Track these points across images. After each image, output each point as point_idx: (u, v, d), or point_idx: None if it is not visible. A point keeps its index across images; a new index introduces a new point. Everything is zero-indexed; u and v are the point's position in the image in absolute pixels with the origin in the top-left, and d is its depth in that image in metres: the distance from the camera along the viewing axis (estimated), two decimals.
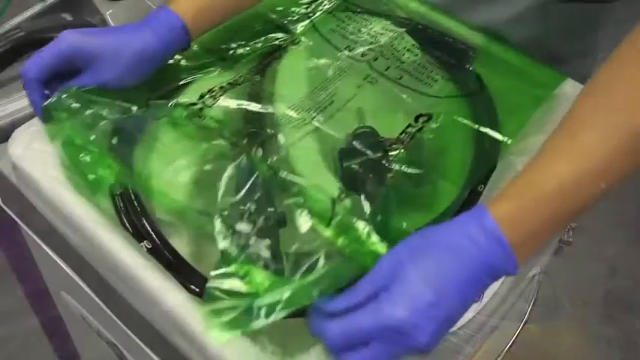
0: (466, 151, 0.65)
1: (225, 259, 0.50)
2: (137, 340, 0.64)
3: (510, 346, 0.85)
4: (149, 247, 0.56)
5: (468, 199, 0.61)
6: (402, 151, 0.63)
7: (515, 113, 0.67)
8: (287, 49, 0.74)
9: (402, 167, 0.62)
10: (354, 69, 0.71)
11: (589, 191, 0.49)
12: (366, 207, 0.58)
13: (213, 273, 0.49)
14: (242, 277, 0.49)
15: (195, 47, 0.70)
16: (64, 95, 0.61)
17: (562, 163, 0.49)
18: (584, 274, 1.61)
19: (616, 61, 0.52)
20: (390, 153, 0.63)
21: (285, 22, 0.76)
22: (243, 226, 0.53)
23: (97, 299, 0.66)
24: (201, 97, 0.67)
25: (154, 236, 0.56)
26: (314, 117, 0.66)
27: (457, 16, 0.78)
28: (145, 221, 0.57)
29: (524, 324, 0.87)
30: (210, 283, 0.49)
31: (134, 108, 0.63)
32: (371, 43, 0.74)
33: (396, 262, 0.48)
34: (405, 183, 0.62)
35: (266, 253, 0.51)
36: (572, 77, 0.72)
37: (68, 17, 0.94)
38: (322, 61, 0.72)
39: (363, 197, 0.60)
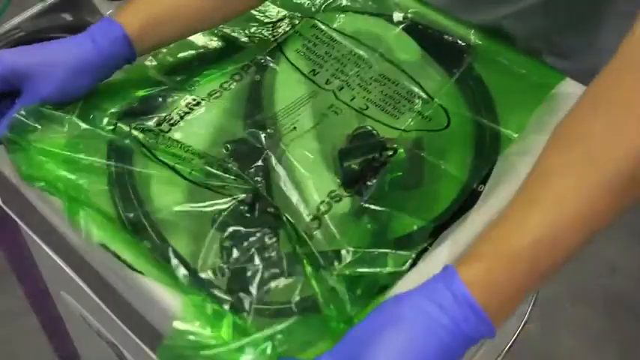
0: (466, 151, 0.65)
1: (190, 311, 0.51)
2: (137, 340, 0.64)
3: (510, 346, 0.85)
4: (149, 247, 0.56)
5: (468, 199, 0.61)
6: (402, 151, 0.63)
7: (515, 112, 0.67)
8: (250, 71, 0.71)
9: (402, 167, 0.62)
10: (318, 96, 0.69)
11: (567, 243, 0.47)
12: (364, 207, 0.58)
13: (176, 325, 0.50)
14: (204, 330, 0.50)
15: (150, 65, 0.69)
16: (16, 121, 0.61)
17: (535, 217, 0.46)
18: (584, 274, 1.61)
19: (585, 108, 0.50)
20: (390, 153, 0.63)
21: (248, 42, 0.74)
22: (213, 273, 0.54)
23: (97, 299, 0.66)
24: (159, 124, 0.65)
25: (154, 236, 0.57)
26: (278, 141, 0.64)
27: (458, 16, 0.78)
28: (145, 221, 0.57)
29: (524, 324, 0.87)
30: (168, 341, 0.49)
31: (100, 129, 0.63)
32: (337, 70, 0.71)
33: (365, 335, 0.46)
34: (405, 183, 0.62)
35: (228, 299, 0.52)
36: (576, 72, 0.72)
37: (68, 17, 0.94)
38: (286, 85, 0.70)
39: (362, 198, 0.60)
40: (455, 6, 0.79)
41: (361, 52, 0.73)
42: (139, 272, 0.54)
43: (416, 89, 0.70)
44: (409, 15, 0.77)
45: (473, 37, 0.76)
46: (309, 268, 0.54)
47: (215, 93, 0.69)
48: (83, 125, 0.63)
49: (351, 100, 0.69)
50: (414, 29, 0.76)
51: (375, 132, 0.65)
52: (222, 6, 0.69)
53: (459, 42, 0.75)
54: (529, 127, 0.66)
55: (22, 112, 0.61)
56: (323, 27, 0.76)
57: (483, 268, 0.46)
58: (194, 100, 0.68)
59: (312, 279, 0.53)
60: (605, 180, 0.46)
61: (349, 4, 0.79)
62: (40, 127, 0.61)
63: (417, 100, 0.69)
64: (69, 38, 0.64)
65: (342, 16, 0.77)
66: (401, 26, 0.76)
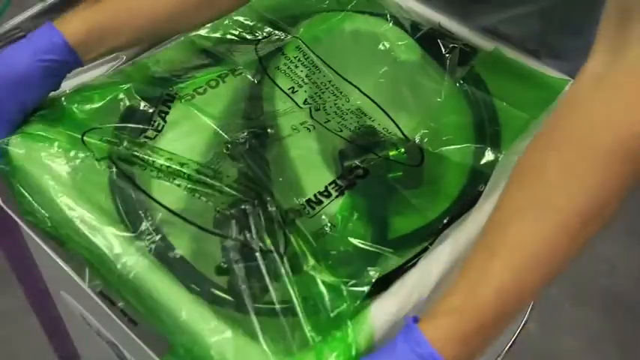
0: (466, 152, 0.65)
1: None
2: (137, 340, 0.64)
3: (510, 346, 0.85)
4: (150, 247, 0.56)
5: (469, 199, 0.61)
6: (403, 150, 0.63)
7: (517, 116, 0.67)
8: (226, 77, 0.70)
9: (403, 167, 0.62)
10: (293, 111, 0.68)
11: (531, 284, 0.48)
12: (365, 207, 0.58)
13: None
14: None
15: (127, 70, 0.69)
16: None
17: (496, 265, 0.47)
18: (584, 274, 1.61)
19: (539, 148, 0.50)
20: (391, 153, 0.63)
21: (229, 56, 0.73)
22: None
23: (97, 299, 0.66)
24: (144, 131, 0.64)
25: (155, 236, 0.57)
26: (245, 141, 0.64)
27: (459, 20, 0.78)
28: (145, 220, 0.57)
29: (524, 324, 0.87)
30: None
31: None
32: (315, 94, 0.70)
33: None
34: (404, 183, 0.62)
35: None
36: (572, 73, 0.72)
37: None
38: (261, 95, 0.69)
39: (363, 197, 0.60)
40: (450, 11, 0.79)
41: (338, 85, 0.71)
42: (133, 320, 0.56)
43: (392, 126, 0.68)
44: (412, 18, 0.77)
45: (476, 40, 0.76)
46: (301, 269, 0.54)
47: (187, 96, 0.68)
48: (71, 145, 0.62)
49: (326, 122, 0.67)
50: (416, 30, 0.76)
51: (377, 130, 0.65)
52: (177, 17, 0.68)
53: (463, 46, 0.75)
54: (529, 126, 0.66)
55: (6, 142, 0.62)
56: (307, 50, 0.74)
57: (452, 323, 0.46)
58: (171, 98, 0.67)
59: (294, 283, 0.53)
60: (560, 219, 0.47)
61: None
62: (26, 152, 0.62)
63: (392, 137, 0.67)
64: (9, 49, 0.62)
65: (329, 37, 0.76)
66: (400, 27, 0.76)
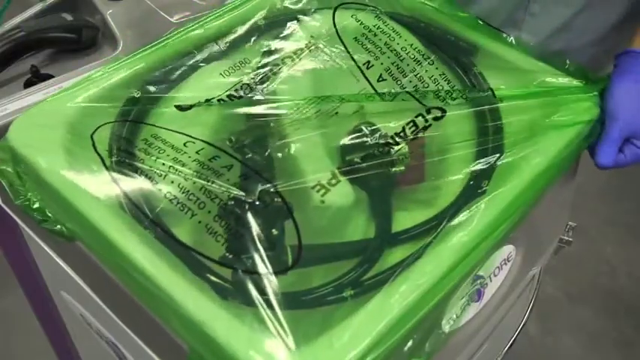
0: (469, 149, 0.65)
1: None
2: (137, 340, 0.64)
3: (510, 346, 0.85)
4: (153, 236, 0.56)
5: (472, 196, 0.61)
6: (405, 145, 0.63)
7: (518, 114, 0.67)
8: (302, 54, 0.72)
9: (404, 162, 0.62)
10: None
11: None
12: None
13: None
14: None
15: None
16: None
17: None
18: (584, 274, 1.61)
19: None
20: (393, 148, 0.63)
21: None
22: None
23: (97, 299, 0.67)
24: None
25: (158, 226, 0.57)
26: (312, 111, 0.65)
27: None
28: (148, 210, 0.57)
29: (524, 324, 0.87)
30: None
31: None
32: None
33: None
34: (407, 178, 0.62)
35: None
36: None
37: (68, 17, 0.95)
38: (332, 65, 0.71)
39: (366, 191, 0.61)
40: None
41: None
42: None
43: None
44: (414, 15, 0.77)
45: (477, 37, 0.76)
46: (305, 260, 0.54)
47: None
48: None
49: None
50: (418, 27, 0.76)
51: (377, 127, 0.66)
52: None
53: (464, 43, 0.75)
54: (531, 125, 0.66)
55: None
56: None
57: None
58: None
59: (299, 275, 0.53)
60: None
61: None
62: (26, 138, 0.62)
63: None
64: None
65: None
66: (400, 24, 0.76)
